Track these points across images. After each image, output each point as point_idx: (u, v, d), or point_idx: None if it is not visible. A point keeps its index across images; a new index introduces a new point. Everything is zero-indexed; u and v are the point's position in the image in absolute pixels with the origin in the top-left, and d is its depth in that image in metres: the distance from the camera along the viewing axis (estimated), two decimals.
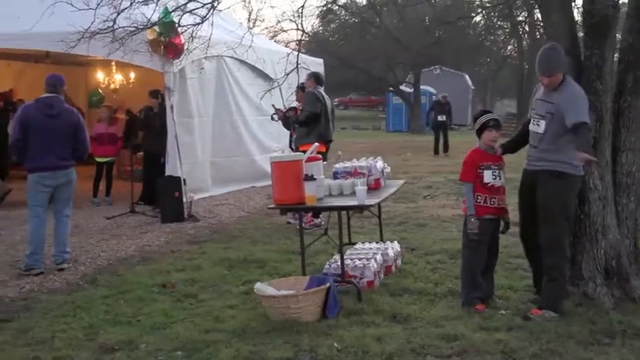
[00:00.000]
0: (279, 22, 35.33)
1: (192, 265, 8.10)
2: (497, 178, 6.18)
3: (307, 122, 10.19)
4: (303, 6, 14.45)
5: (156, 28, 10.01)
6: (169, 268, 7.96)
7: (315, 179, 6.49)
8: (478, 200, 6.18)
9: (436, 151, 23.12)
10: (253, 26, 9.81)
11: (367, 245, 7.76)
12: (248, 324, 5.89)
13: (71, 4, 8.16)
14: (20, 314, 6.47)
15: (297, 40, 32.56)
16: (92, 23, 8.07)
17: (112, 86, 16.49)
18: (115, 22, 8.09)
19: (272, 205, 6.85)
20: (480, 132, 6.28)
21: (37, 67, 15.99)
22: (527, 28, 42.76)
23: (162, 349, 5.41)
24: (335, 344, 5.34)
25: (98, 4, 7.96)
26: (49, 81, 8.17)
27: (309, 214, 9.79)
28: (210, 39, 9.58)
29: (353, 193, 6.78)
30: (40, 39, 11.06)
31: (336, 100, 50.99)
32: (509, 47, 51.38)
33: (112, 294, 7.00)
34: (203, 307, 6.47)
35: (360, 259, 7.02)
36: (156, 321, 6.10)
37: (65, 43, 8.72)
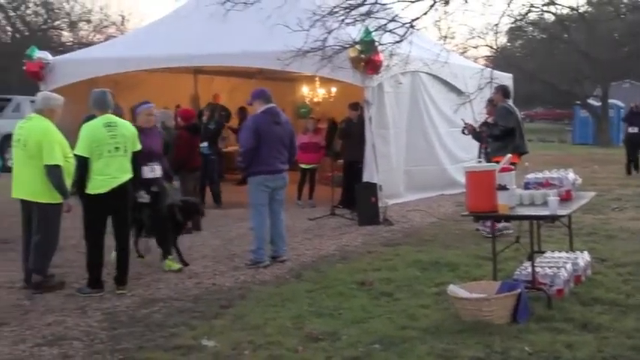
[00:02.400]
0: (470, 38, 34.56)
1: (387, 265, 8.14)
2: None
3: (502, 136, 9.92)
4: (497, 24, 14.24)
5: (357, 46, 10.19)
6: (366, 268, 8.05)
7: (507, 189, 6.34)
8: None
9: (628, 171, 18.79)
10: (444, 43, 9.73)
11: (557, 254, 7.44)
12: (441, 323, 5.85)
13: (288, 27, 8.47)
14: (237, 302, 6.80)
15: (486, 56, 32.01)
16: (305, 43, 8.32)
17: (316, 99, 16.98)
18: (324, 42, 8.30)
19: (465, 213, 6.75)
20: None
21: (249, 83, 16.72)
22: None
23: (361, 342, 5.48)
24: (526, 348, 5.20)
25: (311, 26, 8.19)
26: (265, 95, 8.42)
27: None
28: (408, 56, 9.61)
29: (544, 204, 6.56)
30: (258, 57, 11.57)
31: (522, 113, 49.40)
32: None
33: (316, 288, 7.17)
34: (398, 305, 6.49)
35: (550, 267, 6.76)
36: (355, 315, 6.20)
37: (281, 61, 9.06)
